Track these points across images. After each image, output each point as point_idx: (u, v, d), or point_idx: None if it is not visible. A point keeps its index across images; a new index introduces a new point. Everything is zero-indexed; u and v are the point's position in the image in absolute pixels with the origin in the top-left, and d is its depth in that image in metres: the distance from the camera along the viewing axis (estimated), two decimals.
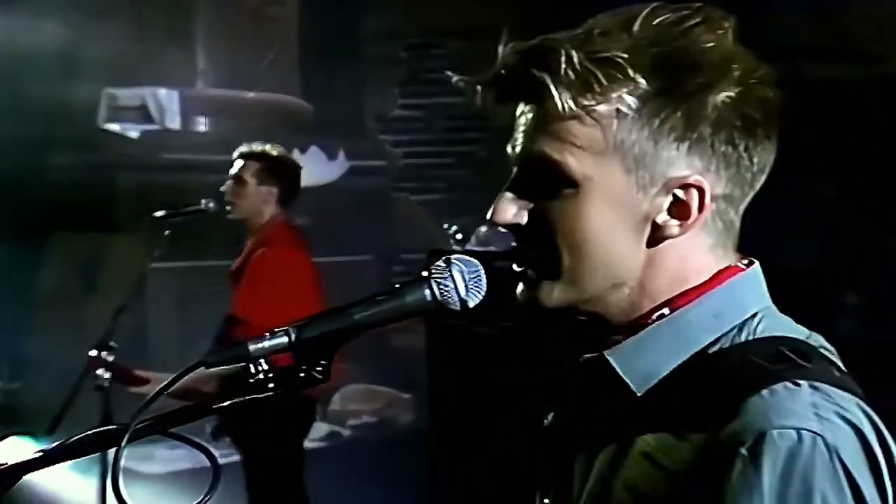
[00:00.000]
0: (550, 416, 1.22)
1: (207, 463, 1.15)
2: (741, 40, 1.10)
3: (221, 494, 1.15)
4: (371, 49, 7.41)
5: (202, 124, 6.96)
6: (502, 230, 1.13)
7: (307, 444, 4.38)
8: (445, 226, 5.64)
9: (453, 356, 4.38)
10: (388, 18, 7.14)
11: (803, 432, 0.97)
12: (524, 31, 1.11)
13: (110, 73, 6.44)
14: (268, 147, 4.26)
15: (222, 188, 4.21)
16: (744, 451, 0.97)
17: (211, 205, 4.18)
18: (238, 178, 4.17)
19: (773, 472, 0.96)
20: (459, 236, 5.51)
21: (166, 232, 4.17)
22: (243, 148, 4.24)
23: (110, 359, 3.72)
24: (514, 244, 1.14)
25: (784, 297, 1.17)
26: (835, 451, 0.97)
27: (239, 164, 4.20)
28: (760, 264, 1.16)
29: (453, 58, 6.64)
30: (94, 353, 3.72)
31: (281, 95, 7.12)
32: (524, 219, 1.12)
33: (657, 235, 1.09)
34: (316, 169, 6.73)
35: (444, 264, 1.14)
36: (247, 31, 7.08)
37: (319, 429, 5.89)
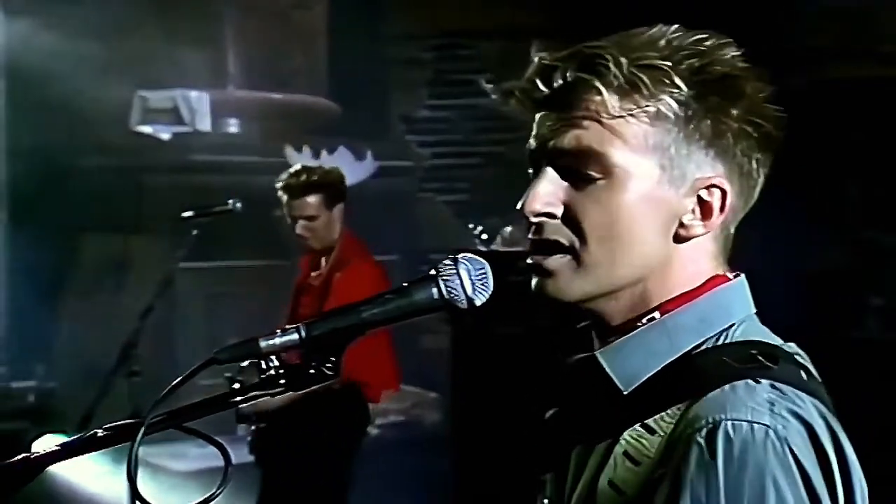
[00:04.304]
0: (552, 411, 1.26)
1: (238, 461, 1.17)
2: (768, 45, 1.15)
3: (238, 493, 1.17)
4: (398, 50, 7.43)
5: (232, 126, 7.04)
6: (534, 219, 1.16)
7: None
8: (471, 226, 5.65)
9: (477, 356, 4.40)
10: (414, 20, 7.16)
11: (755, 425, 1.02)
12: (550, 31, 1.15)
13: (142, 77, 6.53)
14: (318, 169, 4.13)
15: (298, 231, 4.03)
16: (700, 438, 1.02)
17: (238, 205, 4.18)
18: (310, 218, 4.02)
19: (727, 461, 1.01)
20: (485, 236, 5.52)
21: (194, 232, 4.21)
22: (291, 181, 4.00)
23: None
24: (530, 237, 1.17)
25: (811, 297, 1.21)
26: (785, 441, 1.02)
27: (307, 203, 4.00)
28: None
29: (480, 59, 6.65)
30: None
31: (309, 97, 7.18)
32: (558, 209, 1.16)
33: (682, 234, 1.16)
34: (344, 170, 6.75)
35: (450, 263, 1.17)
36: (275, 34, 7.14)
37: None
